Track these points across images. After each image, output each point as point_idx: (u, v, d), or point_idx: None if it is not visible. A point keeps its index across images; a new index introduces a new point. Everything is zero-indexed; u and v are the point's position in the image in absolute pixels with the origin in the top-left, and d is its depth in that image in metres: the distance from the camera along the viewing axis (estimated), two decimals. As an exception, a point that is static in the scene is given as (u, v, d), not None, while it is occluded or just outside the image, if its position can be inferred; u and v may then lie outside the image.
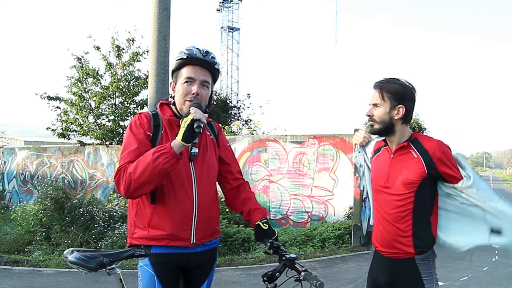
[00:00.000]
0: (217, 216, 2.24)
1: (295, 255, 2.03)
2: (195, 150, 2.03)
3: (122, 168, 1.95)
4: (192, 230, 2.06)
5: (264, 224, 2.18)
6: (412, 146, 2.17)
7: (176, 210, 2.03)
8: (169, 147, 1.90)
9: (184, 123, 1.92)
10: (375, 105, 2.18)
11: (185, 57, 2.08)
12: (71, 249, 1.94)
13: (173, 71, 2.16)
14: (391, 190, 2.17)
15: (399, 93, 2.15)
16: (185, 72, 2.09)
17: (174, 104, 2.17)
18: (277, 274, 2.00)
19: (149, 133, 2.06)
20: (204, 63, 2.10)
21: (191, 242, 2.06)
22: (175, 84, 2.15)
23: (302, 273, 1.92)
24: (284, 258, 2.03)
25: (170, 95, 2.24)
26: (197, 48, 2.09)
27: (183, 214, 2.04)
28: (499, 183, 41.27)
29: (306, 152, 8.99)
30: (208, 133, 2.23)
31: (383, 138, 2.30)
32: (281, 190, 9.20)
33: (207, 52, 2.10)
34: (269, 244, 2.12)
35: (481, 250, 8.19)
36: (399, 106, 2.14)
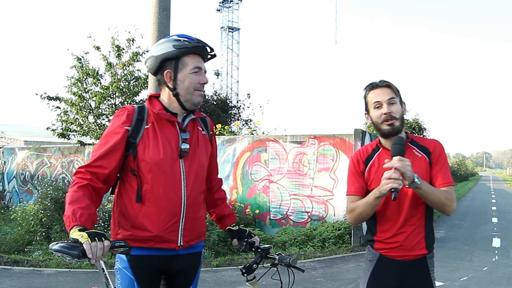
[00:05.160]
0: (203, 217, 2.12)
1: (268, 246, 2.16)
2: (185, 146, 1.93)
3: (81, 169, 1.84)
4: (180, 232, 1.93)
5: (234, 226, 2.26)
6: (412, 146, 2.14)
7: (163, 209, 1.89)
8: None
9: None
10: (390, 100, 2.06)
11: (190, 46, 1.95)
12: (56, 242, 2.03)
13: (169, 59, 1.95)
14: (404, 193, 2.06)
15: (399, 91, 2.14)
16: (191, 61, 1.96)
17: (177, 96, 1.99)
18: (254, 265, 2.12)
19: (127, 127, 1.90)
20: (203, 51, 2.02)
21: (179, 244, 1.94)
22: (175, 73, 1.96)
23: (277, 257, 2.07)
24: (259, 249, 2.15)
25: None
26: (189, 36, 1.99)
27: (170, 214, 1.90)
28: (499, 183, 41.28)
29: (306, 152, 8.98)
30: (200, 129, 2.10)
31: (365, 141, 2.24)
32: (281, 190, 9.19)
33: (199, 39, 2.02)
34: (244, 243, 2.21)
35: (481, 250, 8.19)
36: (403, 102, 2.14)
